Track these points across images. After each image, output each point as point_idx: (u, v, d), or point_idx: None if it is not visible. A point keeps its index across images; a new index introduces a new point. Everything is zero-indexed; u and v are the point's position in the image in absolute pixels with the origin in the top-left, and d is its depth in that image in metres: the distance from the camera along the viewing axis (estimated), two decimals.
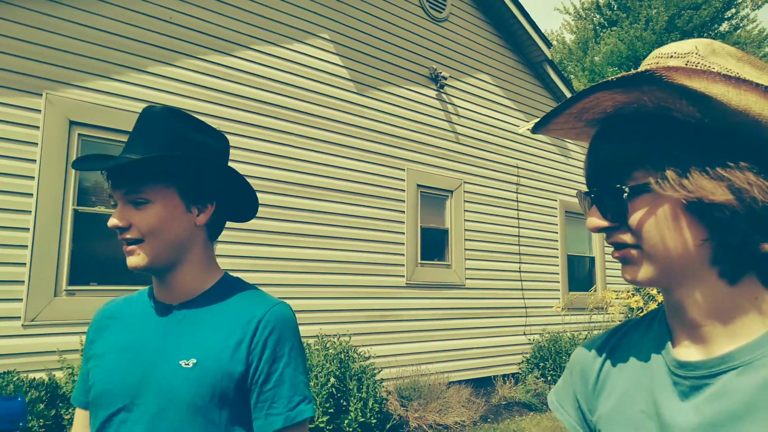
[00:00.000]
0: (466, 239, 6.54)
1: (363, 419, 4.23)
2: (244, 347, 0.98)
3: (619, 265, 0.67)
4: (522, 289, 7.10)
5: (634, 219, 0.60)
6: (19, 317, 3.68)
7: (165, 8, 4.54)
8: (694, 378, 0.60)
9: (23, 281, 3.70)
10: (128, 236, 0.99)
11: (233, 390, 0.96)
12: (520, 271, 7.12)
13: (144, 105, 1.08)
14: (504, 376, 6.52)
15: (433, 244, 6.29)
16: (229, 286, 1.07)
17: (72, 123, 4.01)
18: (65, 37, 4.04)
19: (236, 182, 1.09)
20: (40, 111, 3.88)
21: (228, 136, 1.14)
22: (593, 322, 7.56)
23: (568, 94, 7.88)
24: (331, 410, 4.10)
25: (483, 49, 7.21)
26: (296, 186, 5.16)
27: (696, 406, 0.59)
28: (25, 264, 3.72)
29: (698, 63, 0.59)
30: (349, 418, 4.20)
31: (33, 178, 3.81)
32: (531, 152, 7.62)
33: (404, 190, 6.03)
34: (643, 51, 17.81)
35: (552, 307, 7.33)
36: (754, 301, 0.58)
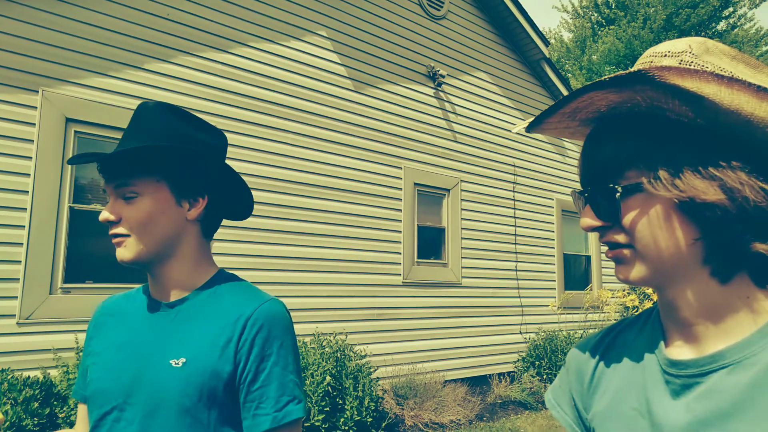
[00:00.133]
0: (462, 238, 6.55)
1: (359, 418, 4.23)
2: (232, 346, 0.96)
3: (614, 264, 0.67)
4: (518, 288, 7.11)
5: (626, 219, 0.61)
6: (14, 315, 3.67)
7: (162, 5, 4.53)
8: (685, 376, 0.60)
9: (18, 279, 3.69)
10: (117, 230, 0.98)
11: (222, 390, 0.94)
12: (516, 270, 7.13)
13: (140, 102, 1.08)
14: (500, 374, 6.54)
15: (430, 243, 6.30)
16: (222, 283, 1.06)
17: (68, 120, 3.99)
18: (62, 34, 4.02)
19: (230, 178, 1.08)
20: (36, 108, 3.86)
21: (224, 134, 1.13)
22: (589, 320, 7.58)
23: (566, 93, 7.87)
24: (327, 409, 4.11)
25: (481, 47, 7.21)
26: (292, 184, 5.16)
27: (687, 405, 0.59)
28: (20, 261, 3.71)
29: (692, 62, 0.59)
30: (345, 416, 4.20)
31: (29, 175, 3.79)
32: (528, 151, 7.63)
33: (401, 189, 6.03)
34: (640, 50, 17.83)
35: (548, 305, 7.35)
36: (745, 300, 0.58)
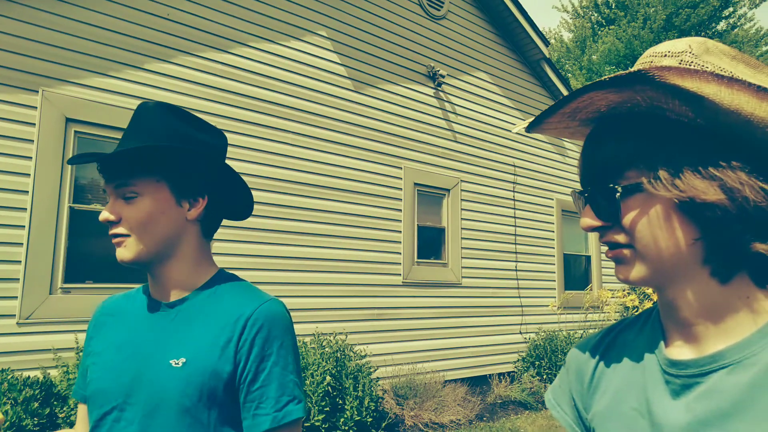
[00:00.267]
0: (462, 238, 6.55)
1: (359, 418, 4.23)
2: (232, 346, 0.95)
3: (614, 264, 0.67)
4: (518, 288, 7.11)
5: (626, 219, 0.61)
6: (14, 315, 3.67)
7: (162, 5, 4.53)
8: (685, 376, 0.60)
9: (18, 279, 3.69)
10: (117, 230, 0.98)
11: (222, 390, 0.94)
12: (516, 270, 7.13)
13: (140, 102, 1.08)
14: (500, 374, 6.54)
15: (430, 243, 6.30)
16: (222, 283, 1.06)
17: (68, 120, 3.99)
18: (62, 34, 4.02)
19: (230, 178, 1.08)
20: (36, 108, 3.86)
21: (224, 134, 1.13)
22: (589, 320, 7.58)
23: (566, 93, 7.87)
24: (327, 409, 4.11)
25: (481, 47, 7.21)
26: (292, 184, 5.16)
27: (687, 405, 0.59)
28: (20, 261, 3.71)
29: (692, 62, 0.59)
30: (345, 416, 4.20)
31: (29, 175, 3.79)
32: (528, 151, 7.63)
33: (401, 189, 6.03)
34: (640, 50, 17.83)
35: (548, 305, 7.35)
36: (745, 300, 0.58)
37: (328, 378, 4.13)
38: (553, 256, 7.71)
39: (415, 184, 6.18)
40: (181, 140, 1.01)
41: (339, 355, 4.43)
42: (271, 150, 5.05)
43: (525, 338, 6.99)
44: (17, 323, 3.67)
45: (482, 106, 7.11)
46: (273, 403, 0.94)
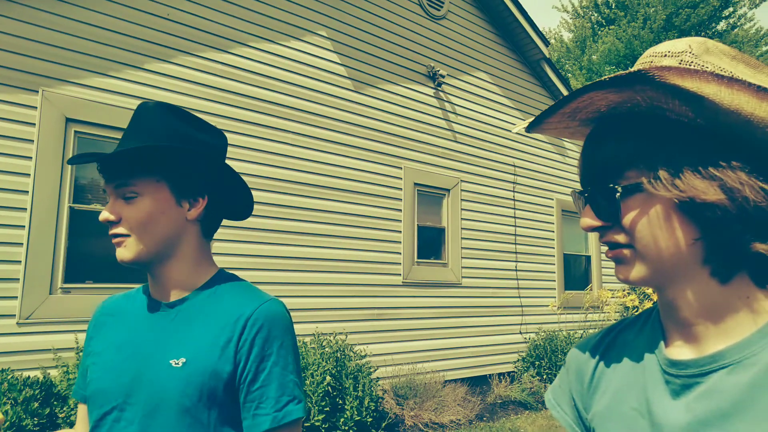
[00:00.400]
0: (462, 238, 6.55)
1: (359, 418, 4.23)
2: (232, 346, 0.95)
3: (614, 264, 0.67)
4: (518, 288, 7.11)
5: (626, 219, 0.61)
6: (14, 315, 3.67)
7: (162, 5, 4.53)
8: (685, 376, 0.60)
9: (18, 279, 3.69)
10: (117, 230, 0.98)
11: (222, 390, 0.94)
12: (516, 270, 7.13)
13: (140, 102, 1.08)
14: (500, 374, 6.54)
15: (430, 243, 6.30)
16: (222, 283, 1.05)
17: (68, 120, 3.99)
18: (62, 34, 4.02)
19: (230, 178, 1.08)
20: (36, 108, 3.86)
21: (224, 133, 1.13)
22: (589, 320, 7.58)
23: (566, 93, 7.87)
24: (327, 409, 4.11)
25: (480, 47, 7.21)
26: (292, 184, 5.16)
27: (687, 405, 0.59)
28: (20, 261, 3.71)
29: (692, 62, 0.59)
30: (345, 416, 4.20)
31: (29, 175, 3.79)
32: (528, 151, 7.63)
33: (401, 189, 6.03)
34: (640, 50, 17.83)
35: (548, 305, 7.35)
36: (745, 300, 0.58)
37: (328, 378, 4.13)
38: (553, 256, 7.71)
39: (415, 184, 6.18)
40: (181, 140, 1.00)
41: (339, 355, 4.43)
42: (271, 150, 5.05)
43: (525, 338, 6.99)
44: (17, 323, 3.67)
45: (482, 106, 7.11)
46: (273, 403, 0.94)
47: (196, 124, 1.05)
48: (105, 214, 0.98)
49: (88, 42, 4.14)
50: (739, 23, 18.82)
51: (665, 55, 0.61)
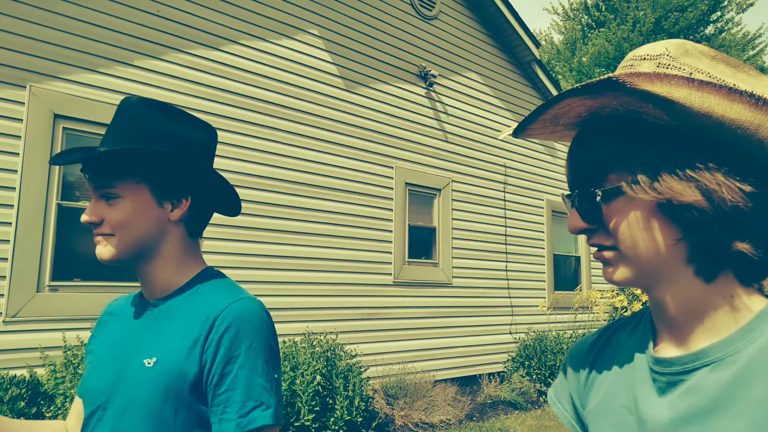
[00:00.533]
0: (453, 238, 6.57)
1: (349, 417, 4.23)
2: (198, 346, 0.91)
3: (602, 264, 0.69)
4: (508, 288, 7.15)
5: (609, 221, 0.62)
6: (1, 313, 3.62)
7: (153, 1, 4.50)
8: (670, 374, 0.61)
9: (5, 276, 3.65)
10: (100, 231, 0.97)
11: (188, 392, 0.91)
12: (506, 270, 7.17)
13: (124, 98, 1.07)
14: (490, 374, 6.56)
15: (421, 243, 6.31)
16: (205, 282, 1.03)
17: (56, 116, 3.95)
18: (51, 29, 3.98)
19: (212, 177, 1.06)
20: (23, 104, 3.82)
21: (213, 128, 1.11)
22: (578, 321, 7.64)
23: (556, 94, 7.92)
24: (317, 408, 4.10)
25: (472, 47, 7.23)
26: (282, 183, 5.14)
27: (671, 402, 0.60)
28: (6, 259, 3.66)
29: (669, 64, 0.59)
30: (335, 416, 4.20)
31: (16, 171, 3.75)
32: (518, 152, 7.67)
33: (392, 188, 6.04)
34: (629, 52, 17.96)
35: (538, 306, 7.39)
36: (729, 299, 0.59)
37: (318, 377, 4.13)
38: (543, 256, 7.75)
39: (407, 183, 6.19)
40: (164, 140, 0.98)
41: (329, 354, 4.43)
42: (260, 148, 5.03)
43: (515, 338, 7.02)
44: (3, 321, 3.63)
45: (473, 106, 7.13)
46: (238, 408, 0.89)
47: (182, 120, 1.02)
48: (85, 216, 0.97)
49: (77, 38, 4.10)
50: (726, 27, 19.03)
51: (644, 59, 0.62)
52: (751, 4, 18.50)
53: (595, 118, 0.63)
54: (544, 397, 6.30)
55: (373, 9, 6.10)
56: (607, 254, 0.63)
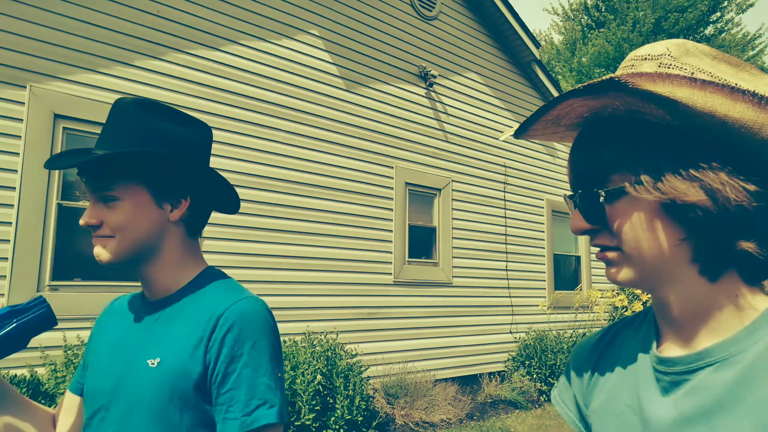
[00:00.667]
0: (453, 237, 6.57)
1: (349, 417, 4.23)
2: (202, 346, 0.92)
3: (604, 264, 0.68)
4: (509, 288, 7.15)
5: (612, 222, 0.62)
6: None
7: (153, 2, 4.49)
8: (674, 374, 0.61)
9: (5, 276, 3.65)
10: (100, 233, 0.97)
11: (192, 391, 0.91)
12: (506, 270, 7.17)
13: (117, 98, 1.06)
14: (490, 374, 6.56)
15: (421, 242, 6.31)
16: (206, 281, 1.03)
17: (57, 116, 3.95)
18: (51, 29, 3.98)
19: (210, 176, 1.06)
20: (23, 104, 3.82)
21: (213, 131, 1.11)
22: (579, 320, 7.64)
23: (556, 94, 7.92)
24: (318, 408, 4.10)
25: (472, 48, 7.23)
26: (283, 182, 5.14)
27: (675, 401, 0.60)
28: (7, 259, 3.66)
29: (671, 64, 0.59)
30: (336, 415, 4.20)
31: (16, 171, 3.75)
32: (519, 152, 7.67)
33: (392, 188, 6.04)
34: (629, 52, 17.97)
35: (538, 305, 7.40)
36: (733, 298, 0.59)
37: (318, 377, 4.13)
38: (544, 256, 7.75)
39: (407, 183, 6.19)
40: (161, 140, 0.98)
41: (330, 354, 4.43)
42: (260, 148, 5.03)
43: (515, 338, 7.02)
44: None
45: (473, 106, 7.13)
46: (242, 407, 0.89)
47: (176, 119, 1.01)
48: (84, 219, 0.96)
49: (77, 38, 4.10)
50: (726, 28, 19.03)
51: (645, 59, 0.61)
52: (751, 5, 18.51)
53: (597, 119, 0.63)
54: (544, 396, 6.30)
55: (373, 9, 6.10)
56: (611, 255, 0.63)
